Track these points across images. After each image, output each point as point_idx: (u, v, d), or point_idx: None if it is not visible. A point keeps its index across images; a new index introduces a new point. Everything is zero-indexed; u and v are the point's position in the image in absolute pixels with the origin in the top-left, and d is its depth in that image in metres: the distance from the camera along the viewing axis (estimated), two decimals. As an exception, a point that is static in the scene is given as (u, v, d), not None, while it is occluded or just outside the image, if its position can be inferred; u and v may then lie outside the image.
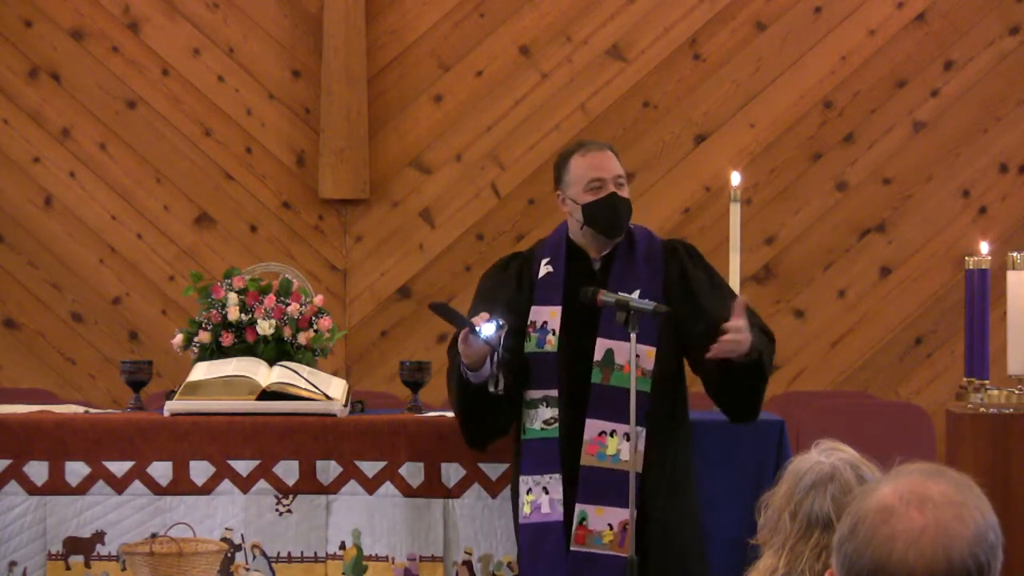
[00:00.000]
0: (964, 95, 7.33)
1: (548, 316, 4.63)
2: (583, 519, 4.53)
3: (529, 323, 4.64)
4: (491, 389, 4.50)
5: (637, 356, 4.46)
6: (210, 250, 7.33)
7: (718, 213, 7.16)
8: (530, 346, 4.62)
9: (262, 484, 4.90)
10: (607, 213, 4.63)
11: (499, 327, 4.40)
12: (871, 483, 2.04)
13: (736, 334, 4.40)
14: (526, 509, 4.58)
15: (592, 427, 4.54)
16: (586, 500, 4.53)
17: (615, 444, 4.53)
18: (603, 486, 4.51)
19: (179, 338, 5.23)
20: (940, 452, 6.64)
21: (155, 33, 7.35)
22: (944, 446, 6.14)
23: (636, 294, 4.56)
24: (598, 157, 4.66)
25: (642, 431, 4.51)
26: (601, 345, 4.57)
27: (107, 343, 7.32)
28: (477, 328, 4.39)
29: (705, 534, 4.68)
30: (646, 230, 4.78)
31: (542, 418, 4.58)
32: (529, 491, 4.58)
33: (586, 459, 4.53)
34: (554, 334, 4.60)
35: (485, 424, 4.68)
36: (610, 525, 4.50)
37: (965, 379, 5.43)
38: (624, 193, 4.65)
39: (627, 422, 4.46)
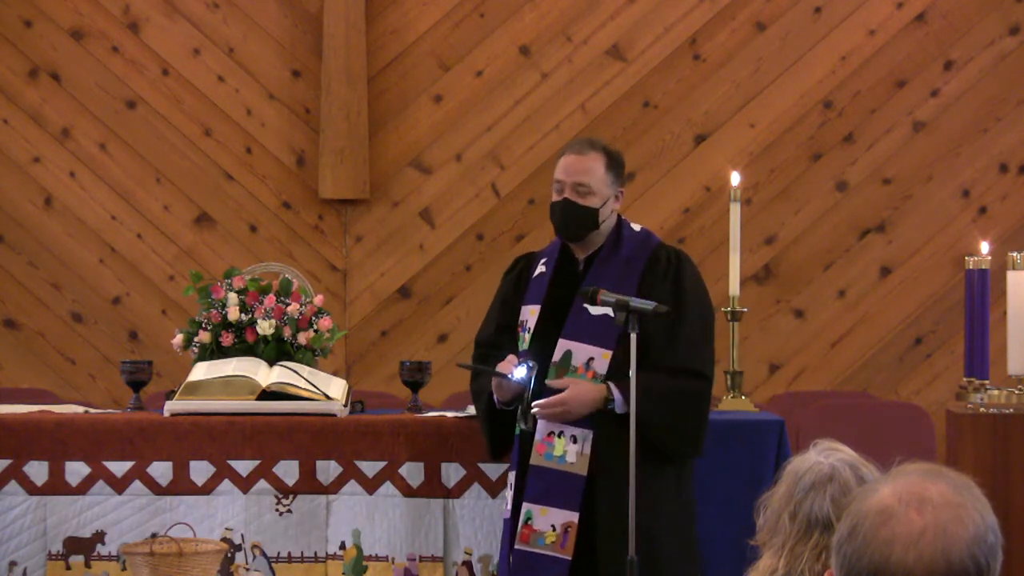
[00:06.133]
0: (964, 95, 7.33)
1: (529, 315, 4.67)
2: (528, 518, 4.54)
3: (519, 322, 4.70)
4: (522, 427, 4.56)
5: (592, 359, 4.51)
6: (210, 250, 7.32)
7: (718, 213, 7.15)
8: (521, 345, 4.66)
9: (262, 484, 4.90)
10: (555, 217, 4.67)
11: (529, 368, 4.49)
12: (870, 484, 2.04)
13: (546, 409, 4.49)
14: (504, 505, 4.69)
15: (542, 427, 4.55)
16: (532, 499, 4.54)
17: (562, 445, 4.53)
18: (549, 486, 4.51)
19: (179, 338, 5.23)
20: (940, 452, 6.63)
21: (155, 33, 7.35)
22: (944, 446, 6.14)
23: None
24: (568, 159, 4.67)
25: (589, 434, 4.52)
26: (561, 346, 4.58)
27: (107, 343, 7.32)
28: (509, 375, 4.48)
29: (704, 535, 4.64)
30: (646, 233, 4.75)
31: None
32: (509, 487, 4.65)
33: (535, 458, 4.55)
34: (529, 332, 4.64)
35: (508, 437, 4.70)
36: (553, 526, 4.50)
37: (965, 379, 5.44)
38: (585, 200, 4.61)
39: (576, 424, 4.51)
